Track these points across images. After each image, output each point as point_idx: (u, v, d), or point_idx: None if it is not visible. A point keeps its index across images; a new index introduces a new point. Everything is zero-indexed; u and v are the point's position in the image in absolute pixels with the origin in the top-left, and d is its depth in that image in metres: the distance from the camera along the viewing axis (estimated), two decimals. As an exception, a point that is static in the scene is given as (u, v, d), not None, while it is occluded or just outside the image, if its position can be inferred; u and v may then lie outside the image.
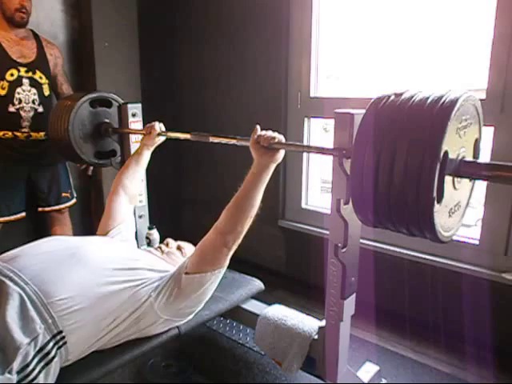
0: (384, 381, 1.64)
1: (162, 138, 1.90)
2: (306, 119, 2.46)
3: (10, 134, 2.19)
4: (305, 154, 2.50)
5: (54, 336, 1.14)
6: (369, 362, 1.63)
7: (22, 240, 2.55)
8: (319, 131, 2.61)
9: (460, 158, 0.97)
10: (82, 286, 1.25)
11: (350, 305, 1.36)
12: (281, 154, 1.39)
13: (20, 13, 2.11)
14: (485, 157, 1.88)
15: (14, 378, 1.04)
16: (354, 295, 1.36)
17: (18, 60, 2.17)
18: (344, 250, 1.27)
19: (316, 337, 1.49)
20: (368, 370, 1.58)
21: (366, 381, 1.52)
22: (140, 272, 1.39)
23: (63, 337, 1.16)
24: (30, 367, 1.08)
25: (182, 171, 3.22)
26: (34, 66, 2.22)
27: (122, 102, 2.17)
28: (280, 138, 1.38)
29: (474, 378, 1.77)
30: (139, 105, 2.93)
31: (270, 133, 1.39)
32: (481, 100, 1.88)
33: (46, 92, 2.29)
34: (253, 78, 2.62)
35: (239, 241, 1.41)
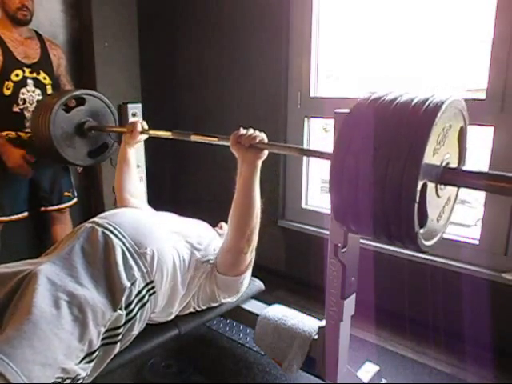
0: (384, 381, 1.64)
1: (143, 137, 1.86)
2: (305, 119, 2.46)
3: (13, 134, 2.20)
4: (305, 154, 2.50)
5: (147, 284, 1.31)
6: (369, 361, 1.63)
7: (24, 239, 2.59)
8: (319, 131, 2.61)
9: (444, 164, 0.93)
10: (166, 243, 1.42)
11: (350, 305, 1.36)
12: (265, 151, 1.37)
13: (22, 11, 2.12)
14: (484, 157, 1.88)
15: (124, 313, 1.23)
16: (353, 295, 1.36)
17: (23, 60, 2.18)
18: (344, 250, 1.27)
19: (316, 337, 1.49)
20: (368, 370, 1.58)
21: (365, 381, 1.52)
22: (206, 252, 1.53)
23: (153, 286, 1.33)
24: (131, 306, 1.26)
25: (182, 171, 3.22)
26: (38, 66, 2.23)
27: (96, 93, 2.12)
28: (262, 137, 1.35)
29: (474, 378, 1.77)
30: (139, 105, 2.93)
31: (251, 131, 1.36)
32: (481, 100, 1.90)
33: (49, 92, 2.30)
34: (253, 78, 2.62)
35: (255, 241, 1.44)
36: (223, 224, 1.81)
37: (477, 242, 1.94)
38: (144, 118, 2.87)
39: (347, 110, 1.18)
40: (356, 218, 0.93)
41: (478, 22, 2.01)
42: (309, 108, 2.43)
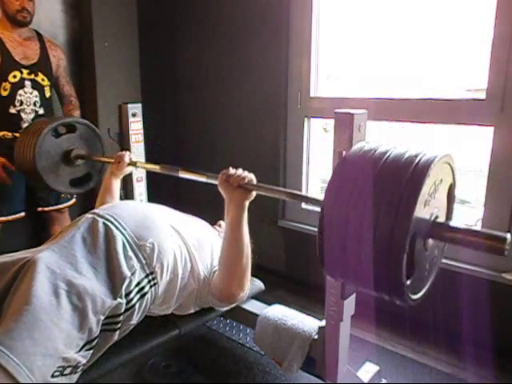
0: (384, 381, 1.64)
1: (130, 169, 1.85)
2: (305, 119, 2.46)
3: (9, 134, 2.19)
4: (305, 154, 2.50)
5: (147, 275, 1.32)
6: (369, 361, 1.63)
7: (22, 240, 2.58)
8: (319, 131, 2.61)
9: (433, 218, 0.93)
10: (166, 237, 1.42)
11: (350, 305, 1.36)
12: (253, 192, 1.36)
13: (21, 13, 2.12)
14: (485, 157, 1.88)
15: (124, 302, 1.24)
16: (353, 295, 1.36)
17: (21, 61, 2.17)
18: (344, 250, 1.26)
19: (316, 337, 1.49)
20: (368, 370, 1.58)
21: (365, 381, 1.52)
22: (205, 251, 1.54)
23: (154, 278, 1.34)
24: (131, 296, 1.27)
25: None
26: (37, 67, 2.22)
27: (87, 122, 2.10)
28: (251, 177, 1.35)
29: (474, 378, 1.77)
30: (139, 105, 2.93)
31: (240, 172, 1.36)
32: (481, 100, 1.90)
33: (47, 94, 2.29)
34: (253, 78, 2.62)
35: (246, 285, 1.44)
36: (222, 222, 1.82)
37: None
38: (144, 118, 2.87)
39: (348, 110, 1.19)
40: (344, 270, 0.94)
41: (478, 22, 2.01)
42: (309, 108, 2.43)
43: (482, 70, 1.83)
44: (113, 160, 1.83)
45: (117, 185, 1.84)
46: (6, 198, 2.24)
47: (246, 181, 1.34)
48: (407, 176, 0.84)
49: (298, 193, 1.25)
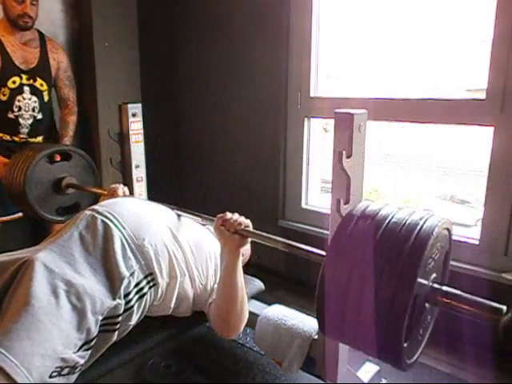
0: (384, 381, 1.64)
1: None
2: (305, 119, 2.46)
3: (8, 137, 2.20)
4: (305, 154, 2.50)
5: (146, 276, 1.31)
6: (369, 362, 1.63)
7: (23, 239, 2.58)
8: (319, 131, 2.61)
9: (431, 284, 0.94)
10: (165, 238, 1.41)
11: (349, 305, 1.35)
12: (248, 239, 1.36)
13: (23, 19, 2.11)
14: (485, 157, 1.88)
15: (122, 302, 1.23)
16: (354, 295, 1.36)
17: (21, 66, 2.17)
18: (344, 250, 1.26)
19: (316, 337, 1.49)
20: (368, 370, 1.58)
21: (365, 381, 1.52)
22: (204, 253, 1.52)
23: (154, 278, 1.33)
24: (130, 297, 1.26)
25: (182, 172, 3.22)
26: (35, 72, 2.22)
27: (82, 152, 2.08)
28: (247, 223, 1.35)
29: (474, 378, 1.77)
30: (139, 105, 2.93)
31: (236, 217, 1.36)
32: (481, 100, 1.90)
33: (46, 98, 2.29)
34: (253, 78, 2.62)
35: (240, 328, 1.45)
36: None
37: (477, 242, 1.94)
38: (144, 118, 2.87)
39: (348, 110, 1.19)
40: (342, 331, 0.94)
41: (478, 22, 2.01)
42: (309, 108, 2.43)
43: (482, 70, 1.83)
44: (106, 192, 1.79)
45: None
46: (3, 198, 2.23)
47: (243, 227, 1.33)
48: (409, 244, 0.85)
49: (297, 245, 1.20)
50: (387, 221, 0.91)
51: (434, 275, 0.95)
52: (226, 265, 1.37)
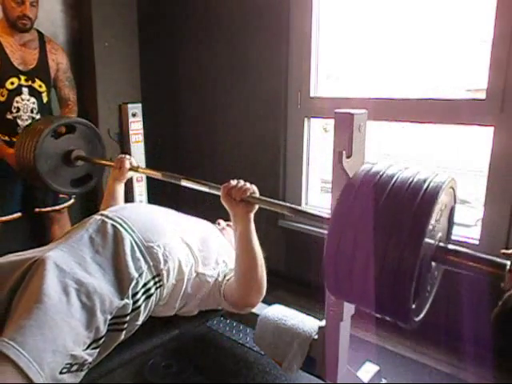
0: (384, 381, 1.64)
1: (132, 173, 1.85)
2: (305, 119, 2.46)
3: (6, 137, 2.20)
4: (305, 154, 2.50)
5: (153, 277, 1.34)
6: (369, 361, 1.63)
7: (23, 240, 2.58)
8: (319, 131, 2.61)
9: (437, 243, 0.94)
10: (174, 240, 1.45)
11: (350, 305, 1.36)
12: (255, 205, 1.36)
13: (22, 20, 2.10)
14: (485, 157, 1.88)
15: (130, 302, 1.26)
16: (354, 295, 1.36)
17: (19, 67, 2.16)
18: (344, 250, 1.26)
19: (316, 337, 1.49)
20: (368, 370, 1.58)
21: (365, 381, 1.52)
22: (212, 252, 1.56)
23: (161, 279, 1.36)
24: (137, 296, 1.29)
25: (182, 172, 3.22)
26: (34, 74, 2.21)
27: (87, 122, 2.10)
28: (253, 189, 1.36)
29: (474, 378, 1.77)
30: (139, 105, 2.94)
31: (241, 184, 1.36)
32: (481, 100, 1.90)
33: (45, 99, 2.28)
34: (253, 78, 2.62)
35: (262, 292, 1.47)
36: (221, 221, 1.83)
37: (477, 242, 1.94)
38: (144, 118, 2.87)
39: (348, 110, 1.19)
40: (349, 291, 0.95)
41: (478, 22, 2.01)
42: (309, 108, 2.42)
43: (482, 70, 1.83)
44: (114, 164, 1.83)
45: (120, 189, 1.84)
46: (2, 198, 2.23)
47: (248, 194, 1.33)
48: (417, 203, 0.84)
49: (302, 208, 1.24)
50: (393, 181, 0.90)
51: (439, 234, 0.94)
52: (240, 232, 1.38)
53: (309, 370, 1.54)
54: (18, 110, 2.18)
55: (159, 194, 2.91)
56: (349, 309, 1.36)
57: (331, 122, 1.26)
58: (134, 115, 2.81)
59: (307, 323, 1.55)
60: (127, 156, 1.84)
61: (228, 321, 2.15)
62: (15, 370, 0.98)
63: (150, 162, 2.94)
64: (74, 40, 2.73)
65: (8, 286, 1.17)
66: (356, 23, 2.41)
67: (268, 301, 1.80)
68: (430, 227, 0.87)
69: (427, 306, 1.04)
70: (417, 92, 2.29)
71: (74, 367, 1.10)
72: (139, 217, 1.45)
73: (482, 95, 1.85)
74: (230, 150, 2.83)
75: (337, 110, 1.22)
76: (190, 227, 1.60)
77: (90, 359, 1.14)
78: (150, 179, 2.96)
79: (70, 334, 1.09)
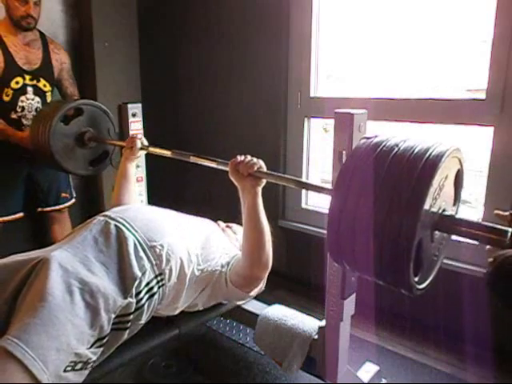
0: (384, 381, 1.64)
1: (143, 152, 1.88)
2: (305, 119, 2.46)
3: None
4: (305, 154, 2.50)
5: (156, 276, 1.35)
6: (369, 362, 1.63)
7: (23, 239, 2.59)
8: (319, 131, 2.61)
9: (440, 211, 0.94)
10: (176, 239, 1.45)
11: (349, 305, 1.36)
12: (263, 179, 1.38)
13: (26, 20, 2.10)
14: (485, 157, 1.88)
15: (134, 301, 1.27)
16: (353, 295, 1.37)
17: (24, 67, 2.16)
18: (344, 249, 1.26)
19: (316, 337, 1.49)
20: (368, 370, 1.58)
21: (365, 381, 1.52)
22: (214, 249, 1.55)
23: (163, 278, 1.36)
24: (140, 295, 1.29)
25: (182, 172, 3.22)
26: (39, 73, 2.22)
27: (93, 102, 2.13)
28: (260, 164, 1.37)
29: (474, 378, 1.77)
30: (139, 105, 2.94)
31: (248, 159, 1.38)
32: (481, 100, 1.90)
33: (49, 99, 2.29)
34: (253, 78, 2.62)
35: (269, 266, 1.45)
36: (220, 223, 1.84)
37: (477, 242, 1.94)
38: (144, 118, 2.87)
39: (348, 110, 1.19)
40: (352, 261, 0.95)
41: (478, 22, 2.01)
42: (309, 108, 2.43)
43: (482, 70, 1.83)
44: (125, 144, 1.86)
45: (132, 169, 1.87)
46: (4, 198, 2.23)
47: (256, 168, 1.35)
48: (417, 171, 0.84)
49: (306, 181, 1.28)
50: (395, 150, 0.90)
51: (443, 203, 0.95)
52: (248, 205, 1.38)
53: (309, 370, 1.54)
54: (23, 109, 2.18)
55: (159, 195, 2.91)
56: (349, 309, 1.36)
57: (331, 122, 1.26)
58: (134, 115, 2.81)
59: (307, 323, 1.55)
60: (138, 135, 1.89)
61: (228, 321, 2.15)
62: (20, 367, 0.99)
63: (150, 162, 2.94)
64: (74, 40, 2.73)
65: (12, 285, 1.18)
66: (356, 23, 2.41)
67: (268, 301, 1.80)
68: (432, 196, 0.87)
69: (432, 275, 1.04)
70: (417, 92, 2.29)
71: (79, 365, 1.11)
72: (142, 217, 1.46)
73: (482, 95, 1.85)
74: (230, 149, 2.82)
75: (337, 110, 1.22)
76: (192, 226, 1.61)
77: (93, 358, 1.15)
78: (150, 180, 2.96)
79: (74, 332, 1.10)
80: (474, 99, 1.91)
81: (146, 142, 1.88)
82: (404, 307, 2.12)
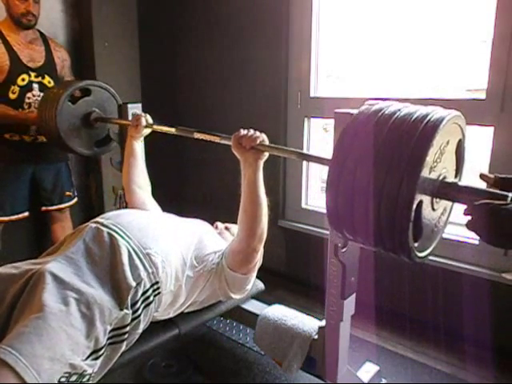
0: (384, 381, 1.64)
1: (148, 130, 1.91)
2: (305, 119, 2.46)
3: (17, 136, 2.20)
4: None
5: (152, 285, 1.32)
6: (369, 361, 1.63)
7: (24, 238, 2.58)
8: (319, 131, 2.61)
9: (441, 178, 0.93)
10: (171, 245, 1.44)
11: (349, 305, 1.36)
12: (265, 152, 1.39)
13: (26, 17, 2.12)
14: (484, 157, 1.88)
15: (130, 312, 1.24)
16: (353, 295, 1.37)
17: (28, 64, 2.18)
18: (344, 249, 1.27)
19: (316, 337, 1.49)
20: (368, 370, 1.58)
21: (365, 381, 1.52)
22: (209, 249, 1.54)
23: (159, 287, 1.34)
24: (137, 306, 1.27)
25: (182, 171, 3.22)
26: (43, 70, 2.23)
27: (101, 84, 2.16)
28: (263, 138, 1.38)
29: (474, 378, 1.77)
30: (139, 105, 2.92)
31: (251, 133, 1.38)
32: (481, 100, 1.90)
33: None
34: (253, 78, 2.62)
35: (264, 238, 1.47)
36: (219, 224, 1.83)
37: (477, 242, 1.94)
38: (144, 118, 2.87)
39: (348, 110, 1.19)
40: (350, 226, 0.94)
41: (478, 22, 2.01)
42: (309, 108, 2.43)
43: (482, 70, 1.83)
44: (131, 123, 1.89)
45: (138, 147, 1.89)
46: (11, 197, 2.24)
47: (258, 142, 1.36)
48: (418, 131, 0.84)
49: (307, 152, 1.29)
50: (395, 116, 0.89)
51: (444, 170, 0.94)
52: (248, 178, 1.39)
53: (309, 369, 1.54)
54: (30, 106, 2.19)
55: (158, 194, 2.91)
56: (349, 309, 1.36)
57: (331, 121, 1.26)
58: (133, 115, 2.81)
59: (307, 323, 1.55)
60: (143, 114, 1.91)
61: (228, 321, 2.15)
62: (12, 375, 0.98)
63: (150, 162, 2.94)
64: (74, 40, 2.73)
65: (6, 301, 1.16)
66: (356, 23, 2.41)
67: (268, 301, 1.80)
68: (433, 158, 0.87)
69: (432, 246, 1.04)
70: (417, 92, 2.30)
71: (73, 377, 1.08)
72: (135, 223, 1.44)
73: (482, 95, 1.85)
74: (230, 149, 2.83)
75: (337, 110, 1.22)
76: (185, 229, 1.59)
77: (89, 370, 1.13)
78: (149, 180, 2.96)
79: (69, 342, 1.08)
80: (474, 99, 1.91)
81: (150, 120, 1.90)
82: (404, 307, 2.12)
